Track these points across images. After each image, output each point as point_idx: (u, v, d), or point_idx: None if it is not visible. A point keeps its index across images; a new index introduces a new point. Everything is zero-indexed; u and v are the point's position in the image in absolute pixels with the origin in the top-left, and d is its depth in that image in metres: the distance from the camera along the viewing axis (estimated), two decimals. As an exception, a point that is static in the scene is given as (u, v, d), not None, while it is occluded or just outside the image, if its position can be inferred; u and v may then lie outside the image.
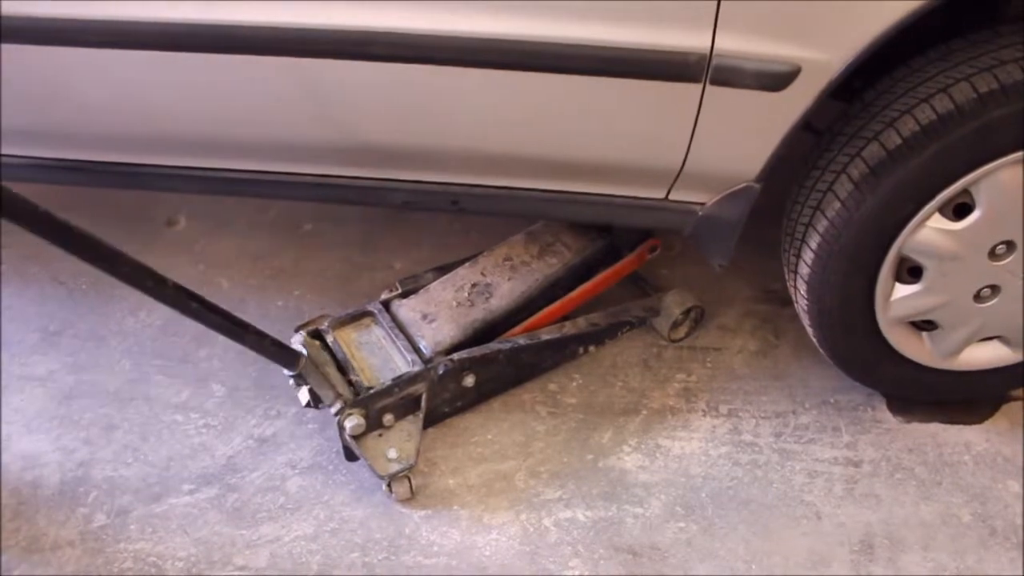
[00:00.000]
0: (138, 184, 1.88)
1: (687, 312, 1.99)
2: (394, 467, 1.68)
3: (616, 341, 2.01)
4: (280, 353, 1.68)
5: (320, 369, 1.70)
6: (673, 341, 2.01)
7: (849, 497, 1.71)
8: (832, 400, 1.89)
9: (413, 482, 1.71)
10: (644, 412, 1.87)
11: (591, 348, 1.98)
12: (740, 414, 1.86)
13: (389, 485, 1.69)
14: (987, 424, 1.84)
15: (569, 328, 1.92)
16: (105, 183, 1.88)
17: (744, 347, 2.01)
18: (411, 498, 1.71)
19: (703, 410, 1.87)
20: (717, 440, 1.81)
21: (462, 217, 2.34)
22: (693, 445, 1.80)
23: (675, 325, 1.99)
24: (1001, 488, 1.72)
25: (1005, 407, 1.87)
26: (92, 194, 2.44)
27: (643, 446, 1.80)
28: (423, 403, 1.75)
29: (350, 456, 1.76)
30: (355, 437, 1.69)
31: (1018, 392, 1.89)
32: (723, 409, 1.87)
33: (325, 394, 1.69)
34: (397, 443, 1.71)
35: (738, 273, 2.18)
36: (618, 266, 2.02)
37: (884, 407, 1.87)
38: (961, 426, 1.84)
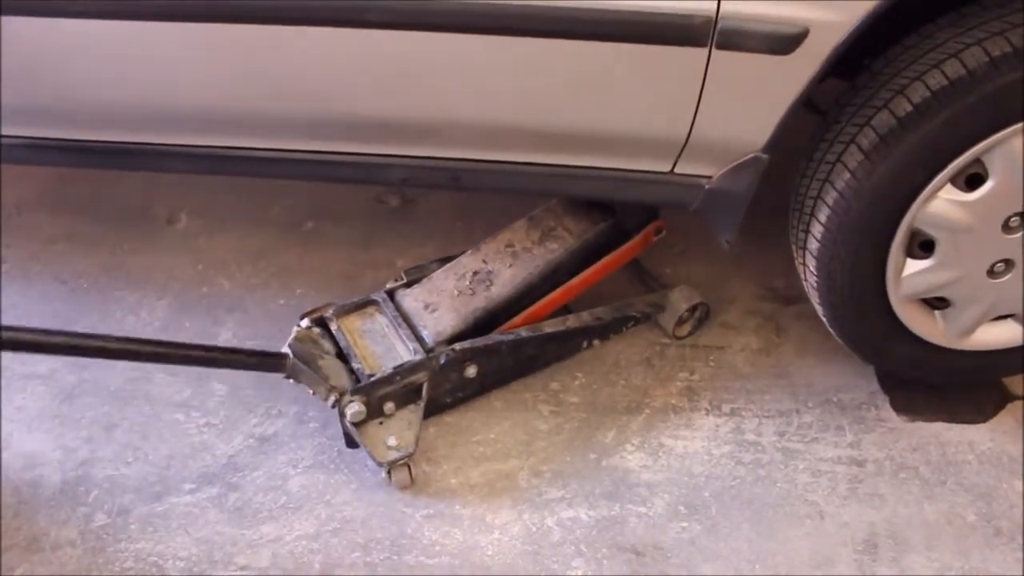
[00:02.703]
0: (130, 164, 1.86)
1: (693, 309, 1.98)
2: (393, 455, 1.68)
3: (618, 339, 2.00)
4: (264, 361, 1.70)
5: (313, 364, 1.70)
6: (677, 338, 2.00)
7: (853, 497, 1.70)
8: (835, 399, 1.88)
9: (413, 470, 1.71)
10: (647, 411, 1.86)
11: (595, 342, 1.97)
12: (743, 413, 1.86)
13: (389, 472, 1.70)
14: (991, 423, 1.83)
15: (572, 321, 1.92)
16: (98, 163, 1.87)
17: (747, 345, 2.00)
18: (410, 486, 1.71)
19: (706, 409, 1.87)
20: (720, 439, 1.81)
21: (465, 214, 2.33)
22: (696, 444, 1.80)
23: (680, 322, 1.98)
24: (1006, 487, 1.72)
25: (1010, 405, 1.86)
26: (93, 192, 2.44)
27: (646, 445, 1.80)
28: (424, 392, 1.75)
29: (351, 443, 1.76)
30: (356, 424, 1.70)
31: (1022, 390, 1.88)
32: (726, 408, 1.87)
33: (318, 390, 1.70)
34: (397, 431, 1.71)
35: (740, 271, 2.17)
36: (622, 250, 1.99)
37: (888, 406, 1.87)
38: (965, 425, 1.83)
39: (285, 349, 1.71)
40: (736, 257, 2.19)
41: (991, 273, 1.61)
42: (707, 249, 2.21)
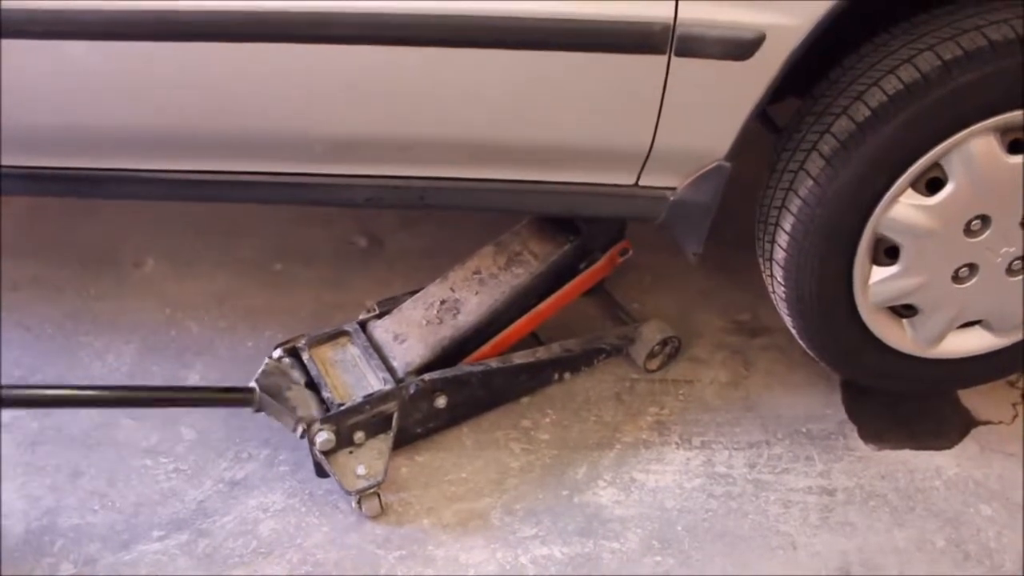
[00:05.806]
0: (93, 192, 1.83)
1: (664, 343, 1.99)
2: (362, 483, 1.68)
3: (588, 375, 2.01)
4: (232, 397, 1.70)
5: (280, 395, 1.71)
6: (648, 371, 2.02)
7: (824, 526, 1.71)
8: (804, 429, 1.90)
9: (383, 499, 1.71)
10: (618, 446, 1.87)
11: (566, 375, 1.98)
12: (713, 446, 1.87)
13: (359, 502, 1.69)
14: (956, 449, 1.86)
15: (543, 353, 1.93)
16: (61, 191, 1.84)
17: (715, 379, 2.02)
18: (381, 515, 1.71)
19: (676, 443, 1.87)
20: (691, 472, 1.81)
21: (434, 253, 2.34)
22: (667, 478, 1.80)
23: (651, 355, 1.99)
24: (973, 512, 1.74)
25: (974, 431, 1.89)
26: (57, 237, 2.42)
27: (618, 480, 1.80)
28: (395, 422, 1.75)
29: (320, 472, 1.75)
30: (325, 453, 1.69)
31: (987, 415, 1.91)
32: (696, 441, 1.88)
33: (285, 421, 1.70)
34: (367, 460, 1.71)
35: (707, 304, 2.19)
36: (588, 272, 2.00)
37: (856, 435, 1.89)
38: (932, 452, 1.85)
39: (252, 384, 1.71)
40: (702, 291, 2.21)
41: (956, 278, 1.64)
42: (674, 284, 2.23)
